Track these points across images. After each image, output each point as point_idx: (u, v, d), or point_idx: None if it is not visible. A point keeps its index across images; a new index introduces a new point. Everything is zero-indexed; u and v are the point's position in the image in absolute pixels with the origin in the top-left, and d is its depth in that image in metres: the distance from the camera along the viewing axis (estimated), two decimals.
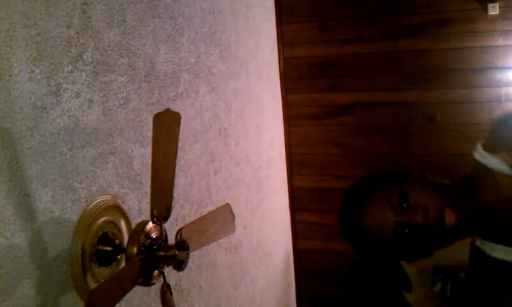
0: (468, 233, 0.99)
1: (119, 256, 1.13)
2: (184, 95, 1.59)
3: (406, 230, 0.94)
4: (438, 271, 1.92)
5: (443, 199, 0.94)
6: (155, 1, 1.41)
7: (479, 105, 2.56)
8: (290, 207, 2.98)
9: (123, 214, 1.19)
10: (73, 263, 1.03)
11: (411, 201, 0.94)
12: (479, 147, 0.99)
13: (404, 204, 0.94)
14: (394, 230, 0.95)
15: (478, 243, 1.00)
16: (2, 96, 0.87)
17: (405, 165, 1.06)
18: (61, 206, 1.01)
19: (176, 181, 1.32)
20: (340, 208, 1.06)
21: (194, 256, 1.64)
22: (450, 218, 0.91)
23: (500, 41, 2.51)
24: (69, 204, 1.04)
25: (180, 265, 1.03)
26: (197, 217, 1.21)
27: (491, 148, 0.97)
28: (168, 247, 1.03)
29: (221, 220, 1.22)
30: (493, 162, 0.96)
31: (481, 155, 0.98)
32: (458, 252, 1.91)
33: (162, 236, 1.05)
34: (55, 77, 1.00)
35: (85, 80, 1.09)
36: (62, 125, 1.02)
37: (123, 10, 1.24)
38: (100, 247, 1.08)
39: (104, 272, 1.10)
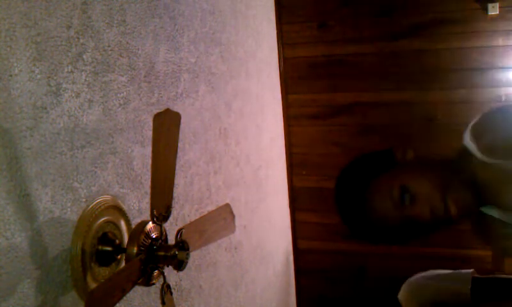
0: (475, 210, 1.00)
1: (119, 256, 1.13)
2: (184, 95, 1.59)
3: (414, 223, 0.95)
4: (437, 306, 1.91)
5: (444, 188, 0.94)
6: (155, 1, 1.41)
7: (479, 105, 2.56)
8: (290, 207, 2.98)
9: (123, 214, 1.19)
10: (73, 263, 1.03)
11: (413, 193, 0.95)
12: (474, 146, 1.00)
13: (407, 202, 0.95)
14: (402, 223, 0.96)
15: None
16: (2, 96, 0.87)
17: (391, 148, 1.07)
18: (61, 206, 1.01)
19: (176, 181, 1.32)
20: (341, 202, 1.06)
21: (194, 256, 1.64)
22: (453, 210, 0.92)
23: (500, 41, 2.51)
24: (69, 204, 1.04)
25: (180, 265, 1.03)
26: (197, 217, 1.21)
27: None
28: (168, 247, 1.03)
29: (221, 220, 1.22)
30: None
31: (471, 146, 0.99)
32: (459, 282, 1.90)
33: (162, 236, 1.05)
34: (55, 77, 1.00)
35: (85, 80, 1.09)
36: (62, 125, 1.02)
37: (123, 10, 1.24)
38: (100, 247, 1.08)
39: (104, 272, 1.10)
